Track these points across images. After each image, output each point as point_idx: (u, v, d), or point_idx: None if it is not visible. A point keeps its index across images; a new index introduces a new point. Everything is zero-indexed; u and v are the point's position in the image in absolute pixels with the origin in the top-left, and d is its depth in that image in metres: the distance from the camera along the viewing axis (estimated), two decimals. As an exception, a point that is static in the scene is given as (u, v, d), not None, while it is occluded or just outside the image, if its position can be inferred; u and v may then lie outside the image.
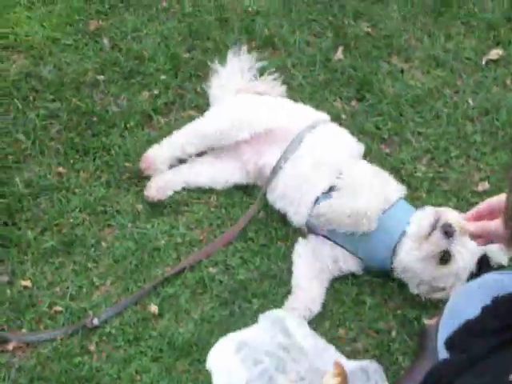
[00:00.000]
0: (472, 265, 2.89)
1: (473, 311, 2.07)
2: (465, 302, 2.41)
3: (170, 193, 3.33)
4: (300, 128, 3.21)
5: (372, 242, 2.98)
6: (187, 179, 3.35)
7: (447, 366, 1.99)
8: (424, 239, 2.86)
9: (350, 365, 2.69)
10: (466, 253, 2.85)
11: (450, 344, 2.01)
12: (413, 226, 2.92)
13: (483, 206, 2.12)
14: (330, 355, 2.76)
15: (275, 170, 3.21)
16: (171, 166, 3.36)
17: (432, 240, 2.84)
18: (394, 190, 3.08)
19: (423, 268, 2.90)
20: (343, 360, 2.74)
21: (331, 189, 3.06)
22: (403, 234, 2.94)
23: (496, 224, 2.06)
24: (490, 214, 2.10)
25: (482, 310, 1.93)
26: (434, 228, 2.84)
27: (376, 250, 3.00)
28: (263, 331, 2.79)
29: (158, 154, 3.33)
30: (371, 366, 2.75)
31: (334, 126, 3.30)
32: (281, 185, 3.19)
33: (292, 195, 3.16)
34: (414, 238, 2.89)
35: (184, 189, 3.34)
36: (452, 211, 2.91)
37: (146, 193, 3.30)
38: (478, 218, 2.11)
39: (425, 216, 2.91)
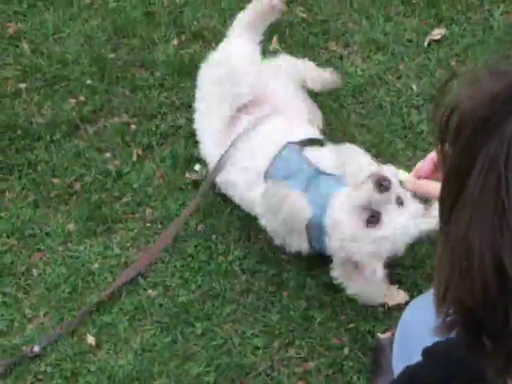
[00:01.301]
0: (401, 244, 2.65)
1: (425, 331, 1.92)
2: (416, 318, 2.27)
3: None
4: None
5: None
6: None
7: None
8: (357, 188, 2.63)
9: None
10: (399, 225, 2.60)
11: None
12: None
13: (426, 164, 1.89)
14: None
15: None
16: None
17: (362, 188, 2.59)
18: None
19: (347, 220, 2.63)
20: None
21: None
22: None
23: (436, 188, 1.89)
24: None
25: (422, 353, 1.76)
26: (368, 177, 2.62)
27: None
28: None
29: None
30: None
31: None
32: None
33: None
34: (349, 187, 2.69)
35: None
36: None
37: None
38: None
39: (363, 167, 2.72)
